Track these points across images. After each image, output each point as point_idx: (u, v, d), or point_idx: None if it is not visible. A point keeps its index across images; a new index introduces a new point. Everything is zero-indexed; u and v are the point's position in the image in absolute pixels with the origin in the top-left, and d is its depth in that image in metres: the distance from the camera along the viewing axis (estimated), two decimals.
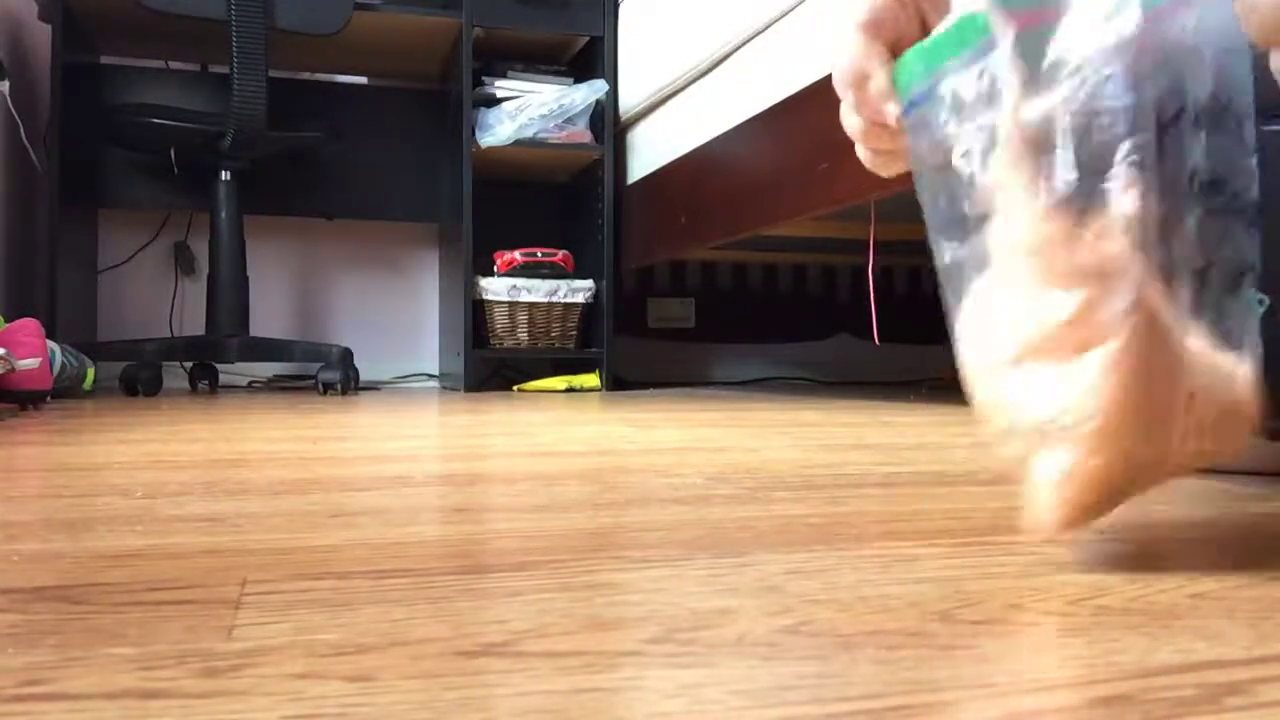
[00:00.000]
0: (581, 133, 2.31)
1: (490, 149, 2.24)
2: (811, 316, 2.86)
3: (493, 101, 2.29)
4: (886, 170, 0.47)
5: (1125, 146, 0.36)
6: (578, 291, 2.32)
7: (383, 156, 2.52)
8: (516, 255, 2.31)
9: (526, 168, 2.48)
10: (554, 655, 0.26)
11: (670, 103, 2.13)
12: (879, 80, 0.44)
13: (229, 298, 2.11)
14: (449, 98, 2.41)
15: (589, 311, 2.37)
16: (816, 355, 2.92)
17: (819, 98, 1.53)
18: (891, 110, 0.43)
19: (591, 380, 2.32)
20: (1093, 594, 0.33)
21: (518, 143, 2.23)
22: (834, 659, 0.26)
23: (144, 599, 0.32)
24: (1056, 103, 0.37)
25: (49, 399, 1.52)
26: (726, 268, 2.80)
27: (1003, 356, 0.38)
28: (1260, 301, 0.51)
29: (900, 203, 1.92)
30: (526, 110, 2.24)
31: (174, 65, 2.45)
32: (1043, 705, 0.23)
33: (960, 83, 0.39)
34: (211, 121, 2.07)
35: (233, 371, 2.50)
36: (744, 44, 1.78)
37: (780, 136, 1.65)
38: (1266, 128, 0.55)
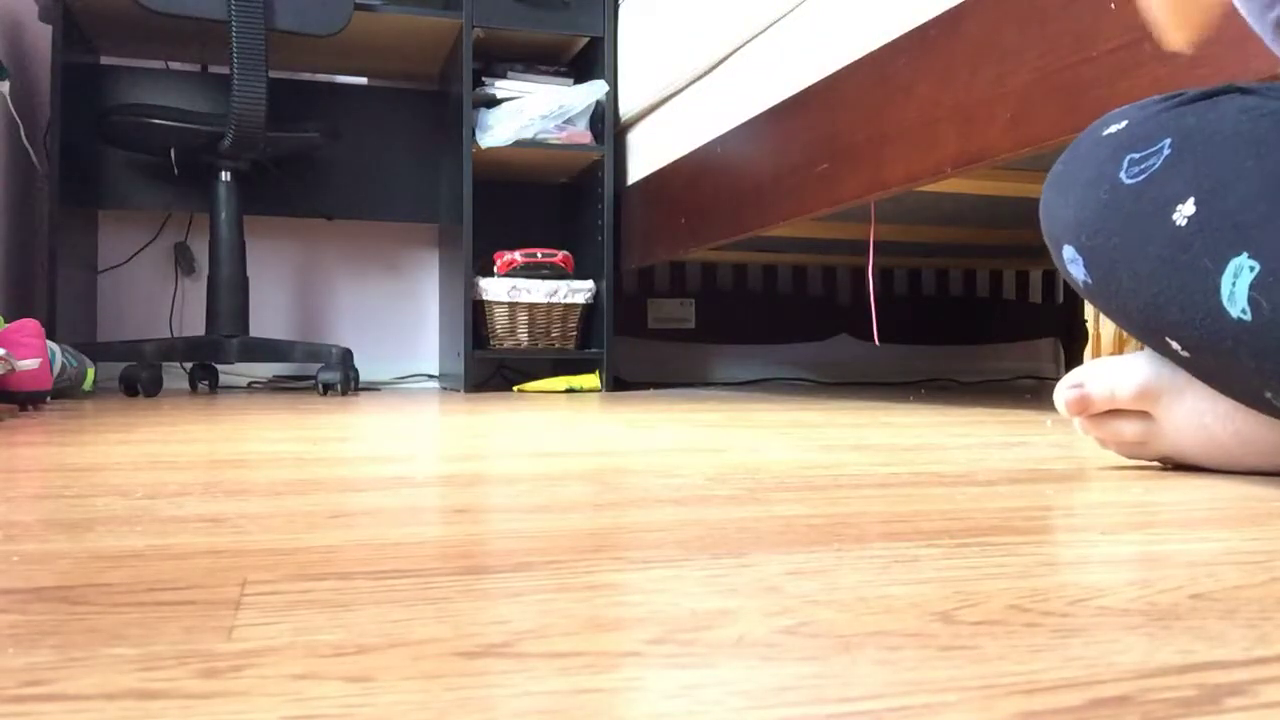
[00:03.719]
0: (581, 133, 2.31)
1: (490, 149, 2.24)
2: (811, 317, 2.86)
3: (493, 102, 2.29)
4: None
5: None
6: (578, 292, 2.32)
7: (383, 156, 2.52)
8: (516, 256, 2.31)
9: (526, 168, 2.48)
10: (554, 656, 0.26)
11: (670, 103, 2.13)
12: None
13: (229, 298, 2.11)
14: (449, 98, 2.41)
15: (589, 312, 2.37)
16: (816, 355, 2.92)
17: (819, 98, 1.53)
18: None
19: (591, 381, 2.32)
20: (1093, 594, 0.33)
21: (518, 143, 2.23)
22: (834, 660, 0.26)
23: (144, 599, 0.32)
24: None
25: (49, 399, 1.52)
26: (726, 268, 2.80)
27: None
28: (1251, 268, 0.52)
29: (900, 203, 1.92)
30: (526, 111, 2.23)
31: (174, 65, 2.45)
32: (1043, 705, 0.23)
33: None
34: (211, 122, 2.07)
35: (233, 372, 2.50)
36: (744, 45, 1.78)
37: (780, 137, 1.65)
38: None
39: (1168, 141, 0.58)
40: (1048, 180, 0.67)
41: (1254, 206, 0.52)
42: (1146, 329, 0.61)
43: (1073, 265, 0.64)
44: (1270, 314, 0.51)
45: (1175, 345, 0.58)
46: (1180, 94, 0.61)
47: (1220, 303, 0.53)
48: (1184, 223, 0.55)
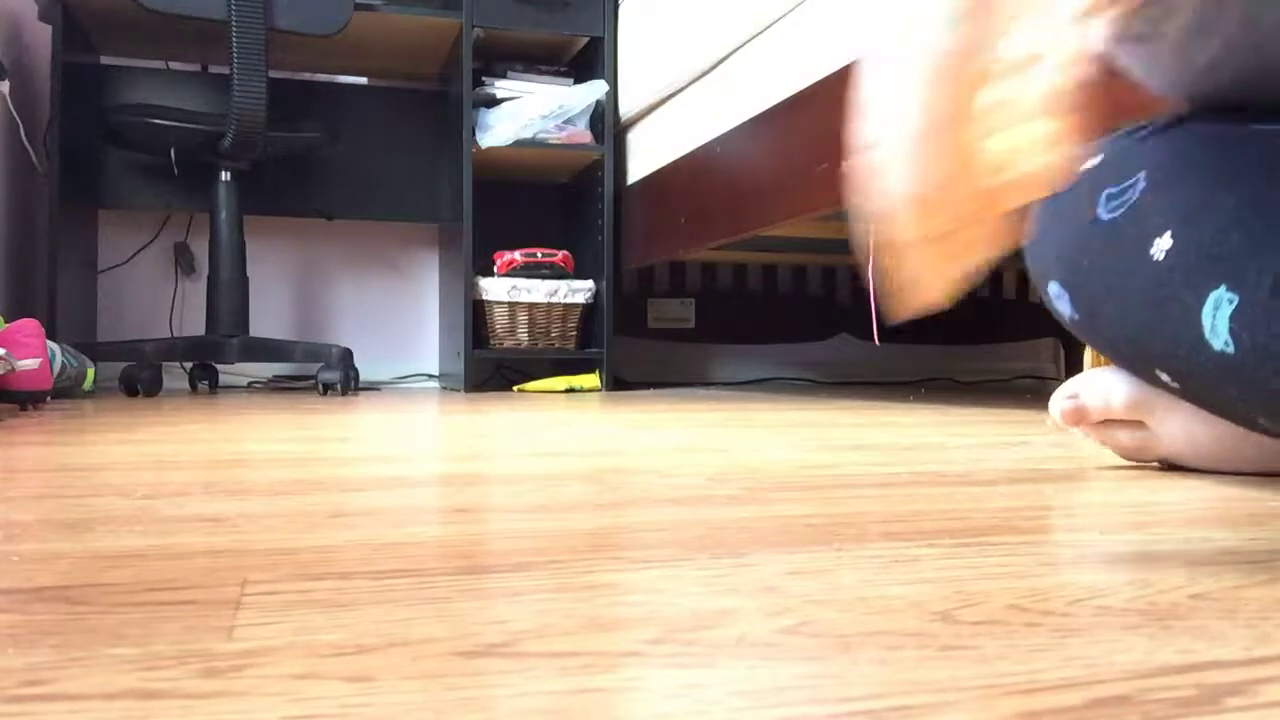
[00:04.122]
0: (581, 133, 2.31)
1: (490, 149, 2.24)
2: (811, 316, 2.86)
3: (493, 102, 2.29)
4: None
5: None
6: (578, 292, 2.32)
7: (383, 156, 2.52)
8: (516, 255, 2.31)
9: (526, 168, 2.48)
10: (554, 656, 0.26)
11: (670, 103, 2.13)
12: None
13: (229, 298, 2.11)
14: (449, 98, 2.41)
15: (589, 312, 2.37)
16: (816, 355, 2.92)
17: (819, 98, 1.53)
18: None
19: (591, 380, 2.32)
20: (1093, 594, 0.33)
21: (518, 143, 2.23)
22: (834, 659, 0.26)
23: (144, 599, 0.32)
24: None
25: (49, 399, 1.52)
26: (726, 268, 2.80)
27: None
28: (1230, 300, 0.51)
29: None
30: (526, 111, 2.23)
31: (174, 65, 2.45)
32: (1043, 705, 0.23)
33: None
34: (211, 121, 2.07)
35: (233, 372, 2.50)
36: (744, 44, 1.78)
37: (780, 137, 1.65)
38: (1257, 125, 0.55)
39: (1142, 175, 0.57)
40: (1029, 216, 0.66)
41: (1228, 238, 0.52)
42: (1135, 362, 0.61)
43: (1059, 301, 0.63)
44: (1252, 346, 0.51)
45: (1164, 377, 0.58)
46: (1151, 122, 0.60)
47: (1203, 336, 0.53)
48: (1162, 257, 0.54)
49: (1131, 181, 0.57)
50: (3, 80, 1.97)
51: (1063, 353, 3.09)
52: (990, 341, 3.03)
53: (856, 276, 2.89)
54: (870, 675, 0.25)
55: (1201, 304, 0.53)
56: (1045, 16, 0.35)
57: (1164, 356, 0.57)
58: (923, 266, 0.38)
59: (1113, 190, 0.58)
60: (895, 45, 0.37)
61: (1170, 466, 0.68)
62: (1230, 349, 0.52)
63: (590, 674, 0.25)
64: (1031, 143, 0.35)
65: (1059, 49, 0.34)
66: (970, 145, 0.36)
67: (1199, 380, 0.56)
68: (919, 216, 0.37)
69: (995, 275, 3.01)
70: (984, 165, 0.36)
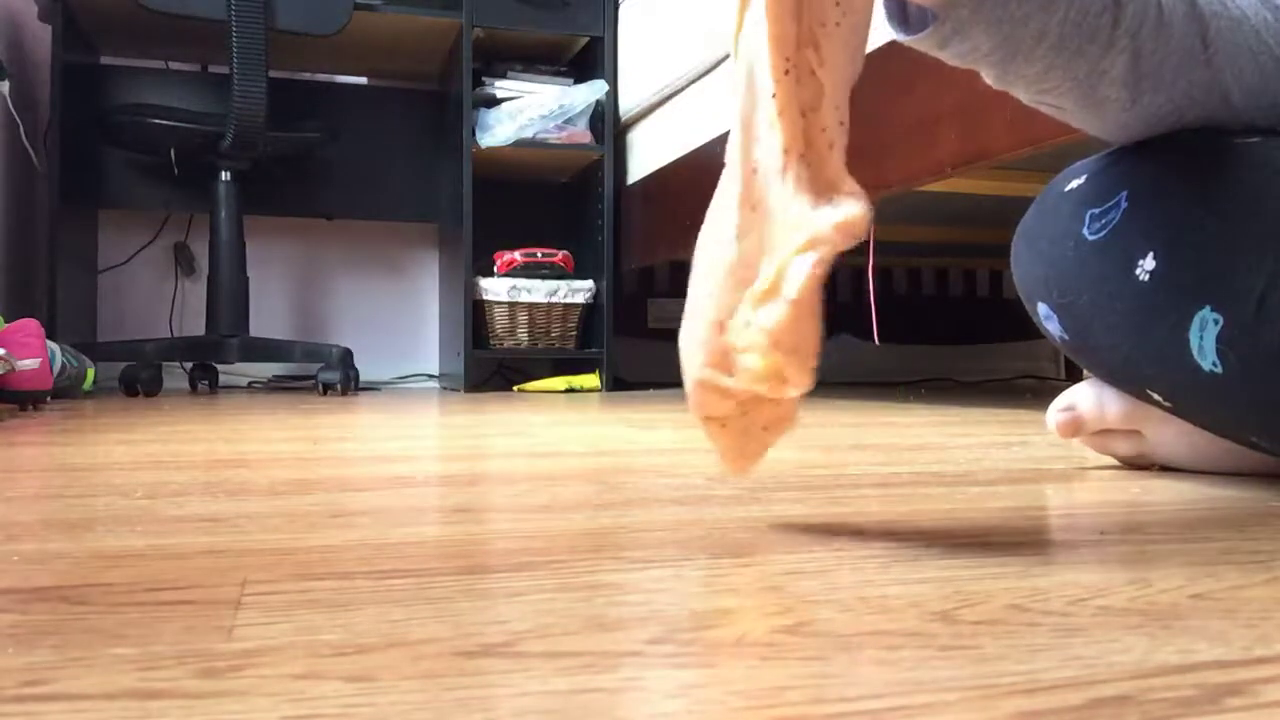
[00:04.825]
0: (581, 133, 2.31)
1: (490, 149, 2.24)
2: None
3: (493, 102, 2.29)
4: None
5: None
6: (578, 292, 2.32)
7: (383, 156, 2.52)
8: (516, 255, 2.30)
9: (526, 168, 2.48)
10: (554, 655, 0.26)
11: (670, 103, 2.13)
12: None
13: (229, 298, 2.11)
14: (449, 98, 2.41)
15: (589, 312, 2.37)
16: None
17: None
18: None
19: (591, 381, 2.32)
20: (1093, 594, 0.33)
21: (518, 143, 2.23)
22: (834, 659, 0.26)
23: (144, 599, 0.32)
24: None
25: (49, 399, 1.52)
26: None
27: None
28: (1215, 321, 0.51)
29: (900, 203, 1.92)
30: (526, 111, 2.23)
31: (174, 65, 2.44)
32: (1043, 705, 0.23)
33: None
34: (211, 121, 2.07)
35: (233, 372, 2.50)
36: None
37: None
38: (1238, 140, 0.55)
39: (1124, 194, 0.57)
40: (1016, 236, 0.65)
41: (1211, 258, 0.52)
42: (1126, 382, 0.61)
43: (1048, 322, 0.63)
44: (1239, 366, 0.51)
45: (1156, 396, 0.58)
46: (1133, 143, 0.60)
47: (1191, 356, 0.53)
48: (1146, 278, 0.54)
49: (1114, 201, 0.57)
50: (3, 80, 1.97)
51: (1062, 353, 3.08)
52: (990, 341, 3.02)
53: (857, 277, 2.89)
54: (870, 675, 0.25)
55: (1188, 325, 0.52)
56: (784, 244, 0.40)
57: (1154, 377, 0.57)
58: (720, 440, 0.43)
59: (1096, 210, 0.58)
60: (701, 250, 0.45)
61: (1170, 468, 0.68)
62: (1218, 369, 0.52)
63: (590, 674, 0.25)
64: (761, 367, 0.39)
65: (790, 281, 0.38)
66: (728, 348, 0.41)
67: (1189, 400, 0.56)
68: (701, 399, 0.43)
69: (995, 275, 3.01)
70: (736, 368, 0.40)
